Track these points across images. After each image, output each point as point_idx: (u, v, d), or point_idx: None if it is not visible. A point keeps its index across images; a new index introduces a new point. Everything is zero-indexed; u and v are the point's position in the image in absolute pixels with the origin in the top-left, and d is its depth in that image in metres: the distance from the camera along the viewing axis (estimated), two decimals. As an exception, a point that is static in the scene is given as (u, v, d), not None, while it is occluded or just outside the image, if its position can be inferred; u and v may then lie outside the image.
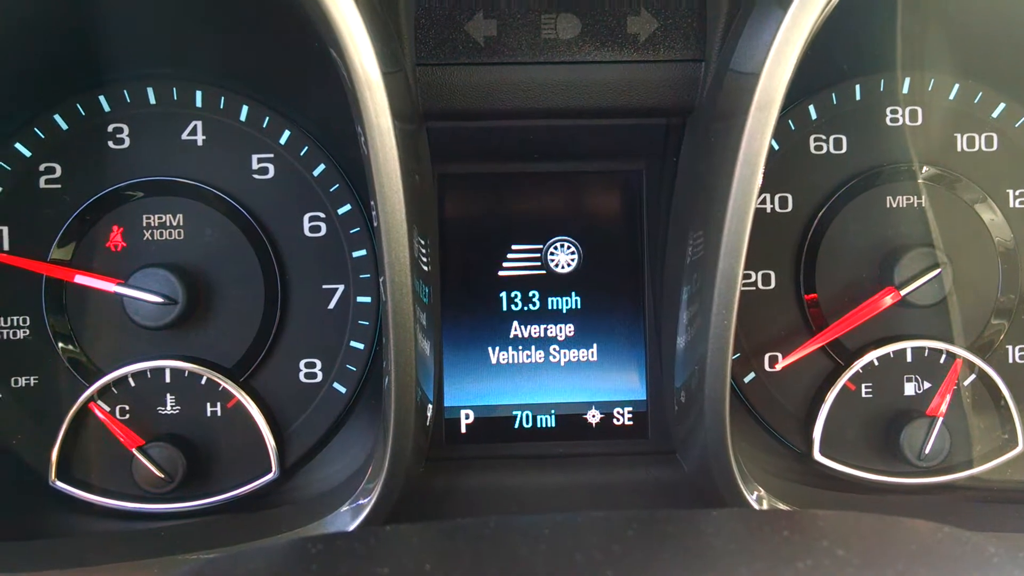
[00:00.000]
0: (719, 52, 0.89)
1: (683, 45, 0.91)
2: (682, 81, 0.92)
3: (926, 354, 0.99)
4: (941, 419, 0.95)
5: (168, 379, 0.96)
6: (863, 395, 0.99)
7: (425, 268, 0.87)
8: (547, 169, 1.04)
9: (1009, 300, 1.00)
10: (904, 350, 0.98)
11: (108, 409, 0.94)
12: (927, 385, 0.99)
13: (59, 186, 0.96)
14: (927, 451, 0.94)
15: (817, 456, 0.96)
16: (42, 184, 0.96)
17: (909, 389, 0.99)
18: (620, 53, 0.91)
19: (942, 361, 0.98)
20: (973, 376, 0.99)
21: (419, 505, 0.93)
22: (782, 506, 0.87)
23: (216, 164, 0.97)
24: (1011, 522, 0.88)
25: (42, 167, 0.96)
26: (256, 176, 0.98)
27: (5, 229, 0.96)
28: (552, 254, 1.03)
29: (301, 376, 0.98)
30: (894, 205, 0.99)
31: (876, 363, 0.98)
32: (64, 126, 0.97)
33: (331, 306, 0.98)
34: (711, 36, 0.90)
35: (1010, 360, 1.01)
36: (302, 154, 0.98)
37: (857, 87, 1.00)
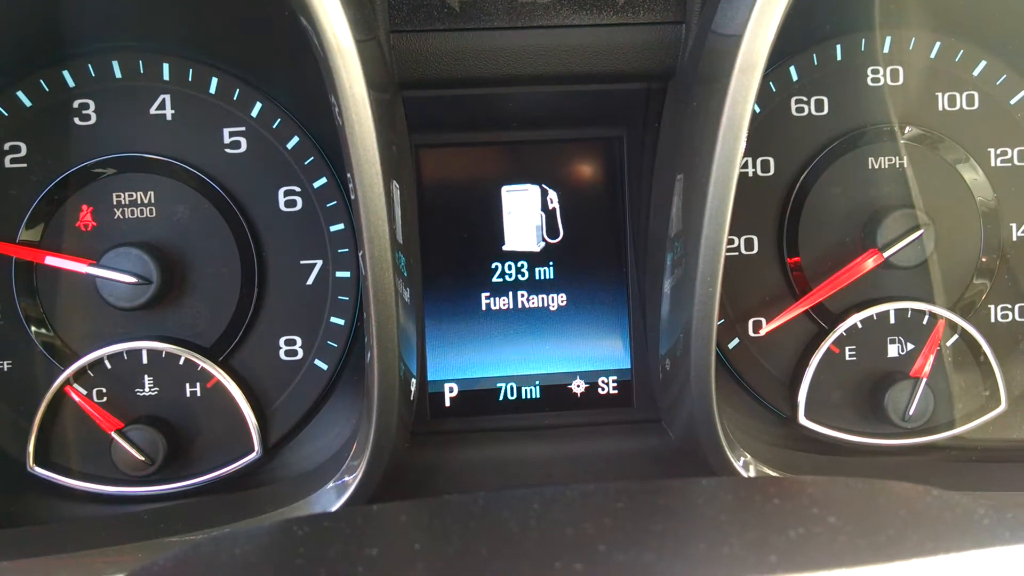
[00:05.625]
0: (700, 14, 0.87)
1: (663, 7, 0.90)
2: (662, 44, 0.90)
3: (909, 315, 0.99)
4: (925, 380, 0.95)
5: (145, 360, 0.94)
6: (847, 358, 0.99)
7: (404, 240, 0.85)
8: (526, 137, 1.02)
9: (991, 260, 1.01)
10: (887, 312, 0.98)
11: (85, 392, 0.93)
12: (910, 346, 0.99)
13: (25, 165, 0.94)
14: (911, 412, 0.95)
15: (802, 420, 0.96)
16: (7, 164, 0.93)
17: (892, 351, 0.99)
18: (599, 16, 0.90)
19: (925, 322, 0.98)
20: (956, 336, 0.99)
21: (405, 480, 0.92)
22: (768, 471, 0.87)
23: (186, 139, 0.95)
24: (996, 481, 0.89)
25: (7, 146, 0.93)
26: (228, 150, 0.95)
27: (-30, 211, 0.93)
28: (533, 223, 1.02)
29: (281, 354, 0.96)
30: (876, 166, 0.99)
31: (860, 326, 0.98)
32: (28, 103, 0.94)
33: (309, 282, 0.96)
34: (691, -3, 0.88)
35: (992, 320, 1.02)
36: (275, 127, 0.96)
37: (838, 47, 0.99)
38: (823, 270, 0.97)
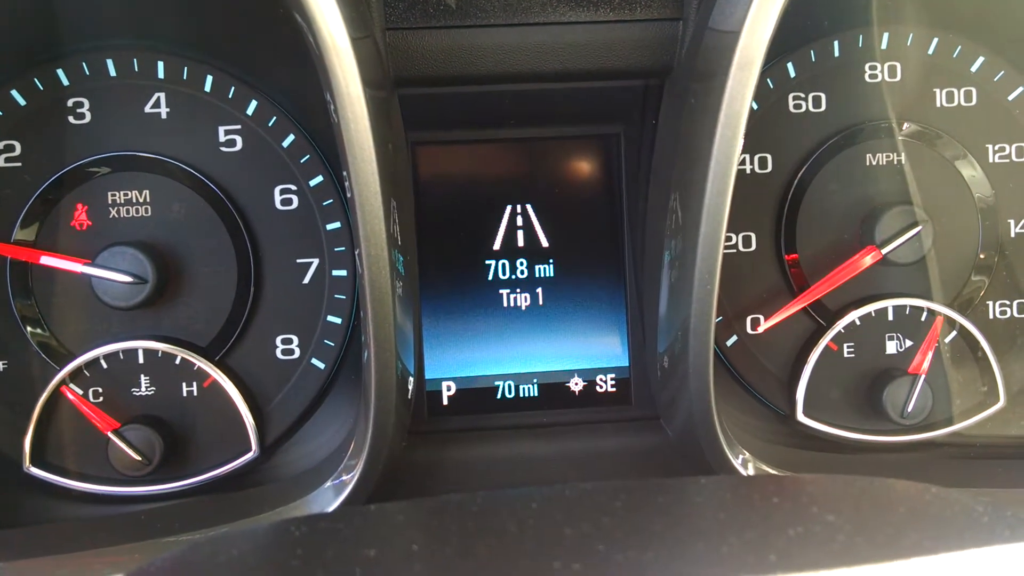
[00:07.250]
0: (698, 10, 0.87)
1: (660, 3, 0.90)
2: (660, 41, 0.90)
3: (907, 312, 0.98)
4: (923, 377, 0.95)
5: (141, 360, 0.94)
6: (845, 355, 0.99)
7: (401, 239, 0.85)
8: (523, 134, 1.02)
9: (989, 256, 1.00)
10: (885, 309, 0.98)
11: (81, 392, 0.92)
12: (909, 343, 0.99)
13: (19, 164, 0.93)
14: (910, 409, 0.94)
15: (800, 417, 0.96)
16: (1, 163, 0.93)
17: (891, 348, 0.99)
18: (596, 13, 0.89)
19: (923, 319, 0.98)
20: (954, 333, 0.99)
21: (402, 479, 0.92)
22: (767, 468, 0.87)
23: (182, 137, 0.94)
24: (995, 478, 0.89)
25: (1, 145, 0.93)
26: (223, 148, 0.95)
27: (-35, 210, 0.92)
28: (530, 221, 1.02)
29: (278, 352, 0.96)
30: (874, 163, 0.98)
31: (858, 323, 0.98)
32: (22, 102, 0.93)
33: (306, 280, 0.96)
34: (689, -7, 0.88)
35: (990, 316, 1.02)
36: (270, 125, 0.95)
37: (836, 43, 0.98)
38: (821, 267, 0.97)
